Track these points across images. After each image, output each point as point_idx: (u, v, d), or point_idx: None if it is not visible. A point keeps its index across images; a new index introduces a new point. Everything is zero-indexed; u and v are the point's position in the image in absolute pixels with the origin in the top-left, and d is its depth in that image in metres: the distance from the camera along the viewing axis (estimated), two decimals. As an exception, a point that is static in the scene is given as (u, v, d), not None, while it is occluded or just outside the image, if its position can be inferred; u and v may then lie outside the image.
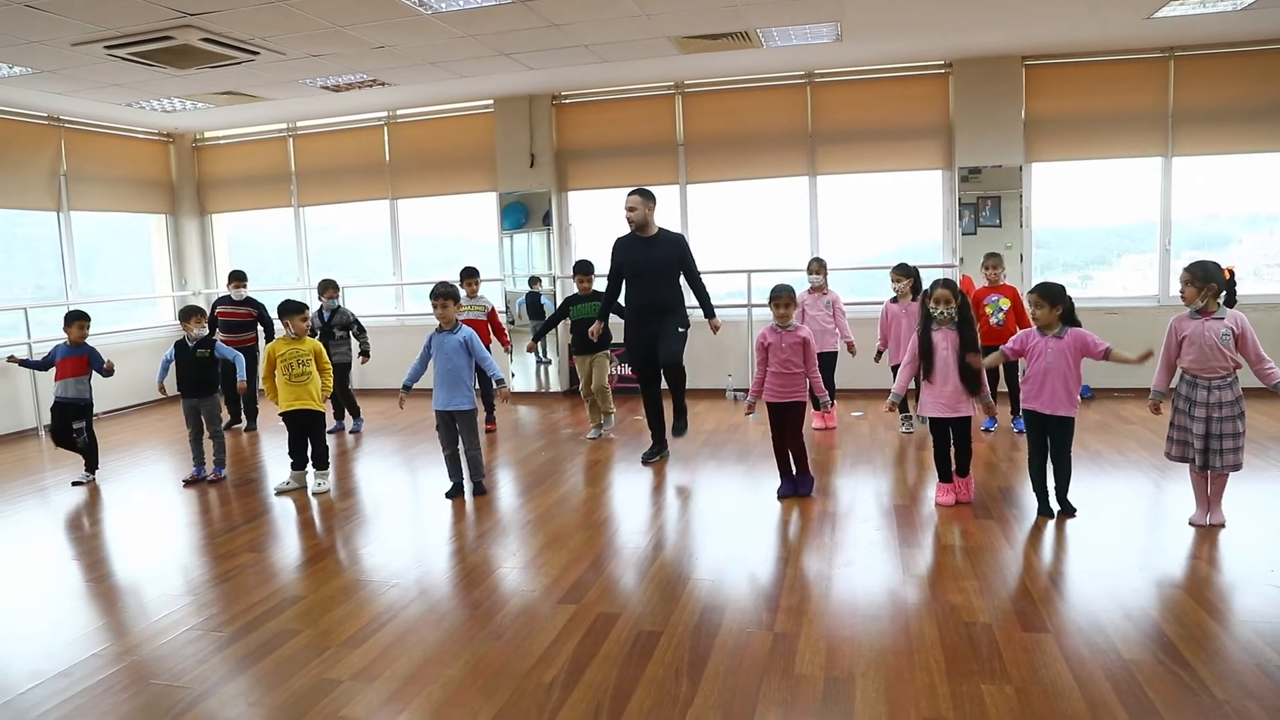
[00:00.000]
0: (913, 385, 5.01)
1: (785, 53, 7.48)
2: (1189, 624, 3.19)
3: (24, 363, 6.28)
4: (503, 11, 5.93)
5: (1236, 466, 4.06)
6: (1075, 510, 4.43)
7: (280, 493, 5.59)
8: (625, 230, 5.89)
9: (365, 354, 7.45)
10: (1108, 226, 8.63)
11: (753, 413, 5.31)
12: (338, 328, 7.34)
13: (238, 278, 7.82)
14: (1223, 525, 4.17)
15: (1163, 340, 4.23)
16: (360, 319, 7.57)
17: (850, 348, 6.75)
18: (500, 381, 5.36)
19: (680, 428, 6.02)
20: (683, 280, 5.93)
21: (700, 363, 6.00)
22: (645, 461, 5.99)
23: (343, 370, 7.38)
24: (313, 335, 7.06)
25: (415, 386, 5.31)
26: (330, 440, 6.34)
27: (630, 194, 5.78)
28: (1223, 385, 4.02)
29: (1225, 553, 3.92)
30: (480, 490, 5.37)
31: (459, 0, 5.70)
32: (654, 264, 5.80)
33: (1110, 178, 8.18)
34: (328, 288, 7.37)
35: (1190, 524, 4.23)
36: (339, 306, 7.42)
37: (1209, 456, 4.05)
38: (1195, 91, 7.67)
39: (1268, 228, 8.22)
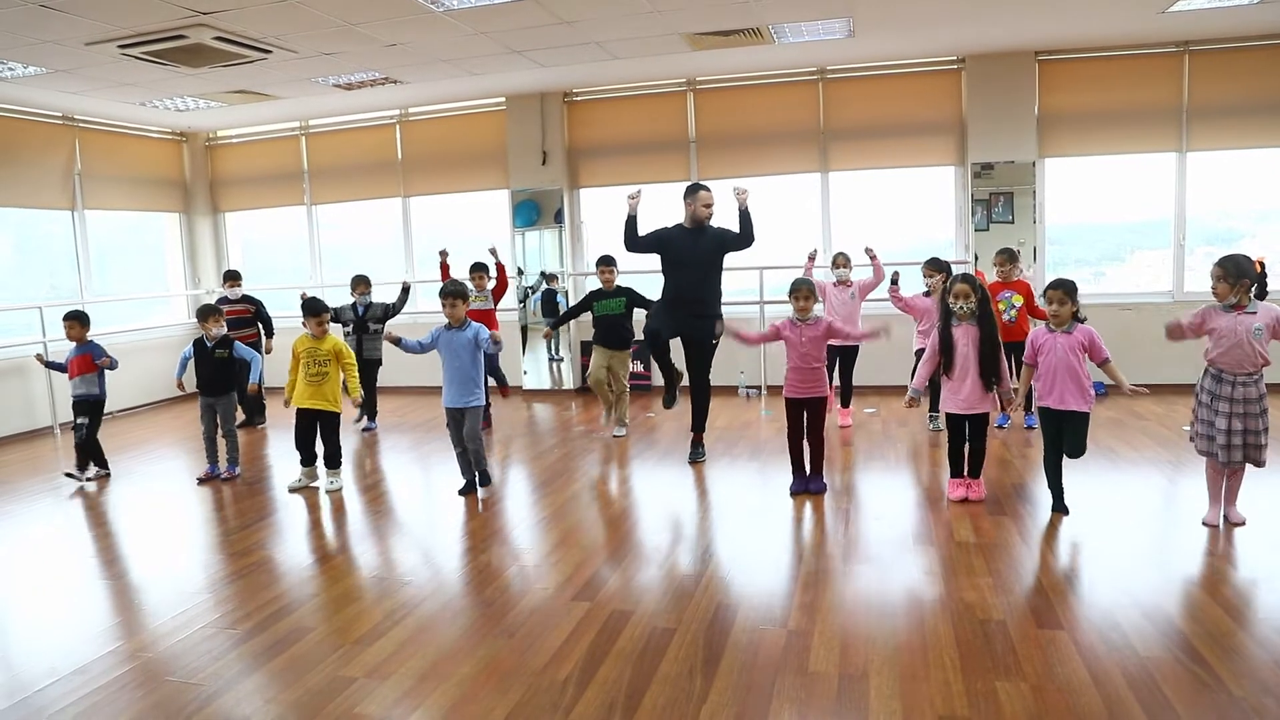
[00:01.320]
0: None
1: (797, 49, 7.45)
2: (1206, 621, 3.17)
3: (49, 364, 6.41)
4: (514, 9, 5.92)
5: (1258, 462, 4.00)
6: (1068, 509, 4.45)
7: (293, 490, 5.62)
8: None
9: (405, 291, 7.54)
10: (1121, 222, 8.56)
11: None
12: (373, 321, 7.37)
13: (232, 277, 8.00)
14: (1243, 523, 4.13)
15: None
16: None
17: (872, 260, 6.69)
18: (502, 382, 5.30)
19: (697, 455, 5.97)
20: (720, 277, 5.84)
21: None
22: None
23: (373, 367, 7.43)
24: (346, 325, 7.23)
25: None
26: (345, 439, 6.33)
27: (705, 190, 5.70)
28: (1248, 382, 3.98)
29: (1242, 550, 3.89)
30: (486, 480, 5.37)
31: (470, -2, 5.71)
32: (698, 256, 5.70)
33: (1124, 173, 8.11)
34: (360, 283, 7.41)
35: (1204, 524, 4.18)
36: (372, 302, 7.45)
37: (1230, 452, 4.01)
38: (1209, 86, 7.60)
39: (1282, 222, 8.15)
